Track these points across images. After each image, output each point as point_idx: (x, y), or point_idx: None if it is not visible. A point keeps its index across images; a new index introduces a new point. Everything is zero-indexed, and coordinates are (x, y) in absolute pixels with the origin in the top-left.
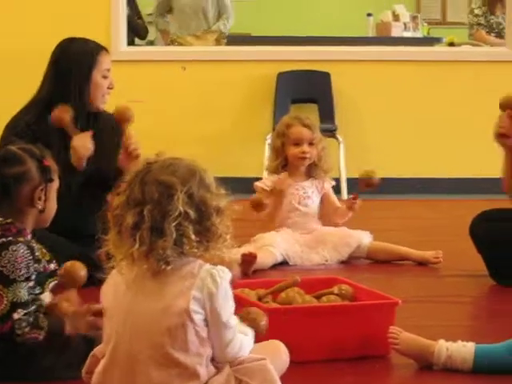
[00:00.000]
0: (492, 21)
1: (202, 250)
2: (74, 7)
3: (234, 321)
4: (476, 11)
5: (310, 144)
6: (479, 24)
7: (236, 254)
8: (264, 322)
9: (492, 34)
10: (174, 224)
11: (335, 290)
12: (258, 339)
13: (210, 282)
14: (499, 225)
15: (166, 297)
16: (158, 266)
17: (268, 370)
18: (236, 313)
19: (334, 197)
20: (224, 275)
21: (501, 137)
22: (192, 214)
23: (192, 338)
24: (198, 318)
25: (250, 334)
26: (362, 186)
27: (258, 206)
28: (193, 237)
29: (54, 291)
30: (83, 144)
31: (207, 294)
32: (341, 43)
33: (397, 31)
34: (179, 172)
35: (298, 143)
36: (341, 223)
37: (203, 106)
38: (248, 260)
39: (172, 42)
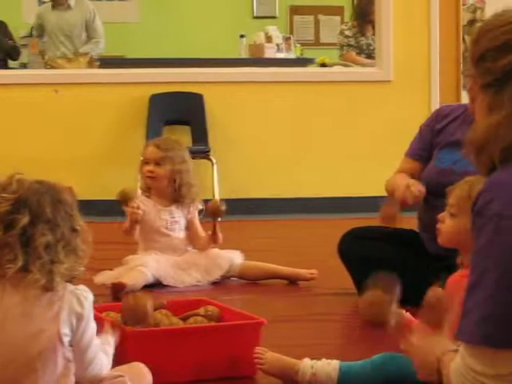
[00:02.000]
0: (362, 42)
1: (65, 271)
2: None
3: (96, 340)
4: (346, 32)
5: (157, 164)
6: (349, 45)
7: (108, 276)
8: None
9: (362, 55)
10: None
11: (201, 311)
12: (121, 362)
13: (76, 303)
14: (366, 243)
15: (35, 321)
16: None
17: None
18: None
19: (197, 223)
20: (87, 295)
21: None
22: (52, 235)
23: (61, 361)
24: (66, 340)
25: (110, 352)
26: (208, 214)
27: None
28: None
29: None
30: None
31: (74, 316)
32: (213, 65)
33: (270, 52)
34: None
35: (147, 162)
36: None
37: (76, 128)
38: (117, 288)
39: (45, 65)
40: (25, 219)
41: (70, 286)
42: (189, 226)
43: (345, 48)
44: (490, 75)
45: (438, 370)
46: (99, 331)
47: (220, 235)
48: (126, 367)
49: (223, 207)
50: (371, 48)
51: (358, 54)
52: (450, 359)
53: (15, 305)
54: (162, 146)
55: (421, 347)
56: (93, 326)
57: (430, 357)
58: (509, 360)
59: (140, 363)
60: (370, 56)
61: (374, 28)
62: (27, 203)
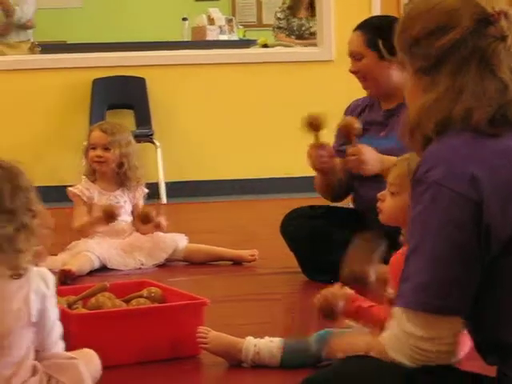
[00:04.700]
0: (294, 23)
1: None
2: None
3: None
4: (278, 15)
5: (105, 149)
6: (279, 27)
7: (53, 262)
8: None
9: (292, 37)
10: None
11: (144, 293)
12: (71, 348)
13: (42, 283)
14: (307, 222)
15: (6, 301)
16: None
17: (78, 369)
18: None
19: (139, 206)
20: (50, 276)
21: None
22: (12, 226)
23: (26, 342)
24: (33, 320)
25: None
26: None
27: (146, 218)
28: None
29: None
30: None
31: (41, 296)
32: (156, 48)
33: (212, 34)
34: None
35: (93, 147)
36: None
37: (17, 114)
38: (65, 275)
39: None
40: None
41: (35, 269)
42: (134, 210)
43: (275, 30)
44: (425, 60)
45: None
46: None
47: (164, 223)
48: (76, 353)
49: (153, 213)
50: (303, 29)
51: (288, 35)
52: (373, 341)
53: None
54: (109, 131)
55: (344, 346)
56: (56, 306)
57: (357, 349)
58: (446, 323)
59: (89, 349)
60: (301, 37)
61: (310, 9)
62: None
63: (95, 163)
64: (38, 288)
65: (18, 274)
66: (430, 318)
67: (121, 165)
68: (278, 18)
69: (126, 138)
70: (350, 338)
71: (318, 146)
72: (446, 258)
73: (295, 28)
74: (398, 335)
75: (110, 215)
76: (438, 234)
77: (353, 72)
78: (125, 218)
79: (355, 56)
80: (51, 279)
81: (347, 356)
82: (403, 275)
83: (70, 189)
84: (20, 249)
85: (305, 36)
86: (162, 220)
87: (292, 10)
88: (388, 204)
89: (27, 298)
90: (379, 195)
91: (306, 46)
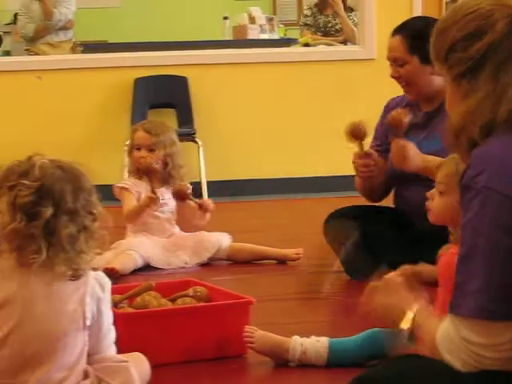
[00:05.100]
0: (320, 20)
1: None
2: None
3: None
4: (305, 12)
5: (151, 150)
6: (306, 24)
7: (97, 261)
8: None
9: (318, 34)
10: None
11: (190, 292)
12: (118, 348)
13: (98, 288)
14: (349, 222)
15: (62, 302)
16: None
17: (129, 372)
18: None
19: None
20: (107, 280)
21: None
22: (74, 226)
23: (80, 344)
24: (87, 323)
25: None
26: (174, 197)
27: (180, 194)
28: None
29: None
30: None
31: (96, 300)
32: (197, 47)
33: (253, 33)
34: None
35: (138, 148)
36: (201, 225)
37: (61, 114)
38: (109, 273)
39: (27, 52)
40: (48, 211)
41: (92, 272)
42: (179, 208)
43: (302, 27)
44: (462, 64)
45: (411, 329)
46: None
47: (208, 203)
48: (127, 356)
49: (189, 190)
50: (329, 26)
51: (315, 32)
52: (429, 324)
53: (43, 286)
54: (153, 131)
55: (386, 300)
56: (110, 310)
57: (395, 310)
58: (503, 330)
59: (138, 353)
60: (327, 34)
61: (332, 7)
62: (50, 193)
63: (139, 164)
64: (94, 291)
65: (77, 274)
66: (486, 324)
67: (165, 164)
68: (305, 15)
69: (170, 138)
70: (394, 298)
71: (363, 155)
72: (499, 263)
73: (321, 25)
74: (454, 340)
75: (181, 195)
76: (489, 240)
77: (394, 77)
78: (168, 216)
79: (397, 62)
80: (107, 283)
81: (399, 355)
82: (456, 282)
83: (117, 185)
84: (81, 249)
85: (331, 33)
86: (207, 201)
87: (319, 7)
88: (436, 203)
89: (83, 300)
90: (428, 194)
91: (330, 44)
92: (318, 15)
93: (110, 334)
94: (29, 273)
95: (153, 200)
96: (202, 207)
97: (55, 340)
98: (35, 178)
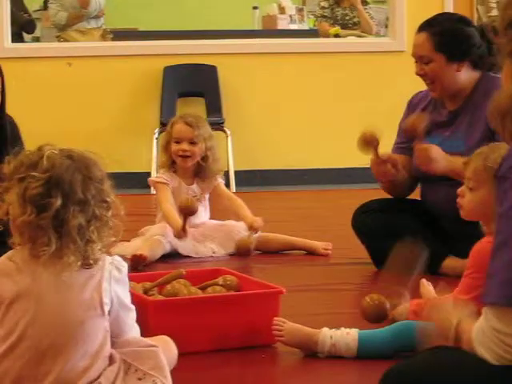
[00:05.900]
0: (337, 12)
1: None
2: None
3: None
4: (322, 4)
5: (192, 143)
6: (323, 16)
7: (125, 248)
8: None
9: (336, 26)
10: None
11: (220, 280)
12: (147, 335)
13: (116, 271)
14: (378, 215)
15: (76, 290)
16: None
17: (159, 357)
18: None
19: (226, 191)
20: (124, 264)
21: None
22: (84, 216)
23: (101, 331)
24: (106, 309)
25: None
26: (181, 211)
27: (187, 209)
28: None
29: None
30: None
31: (115, 283)
32: (227, 36)
33: (283, 24)
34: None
35: (178, 141)
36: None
37: (90, 101)
38: (137, 260)
39: (57, 38)
40: (58, 202)
41: (108, 257)
42: (215, 196)
43: (318, 19)
44: None
45: (455, 336)
46: None
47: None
48: (154, 339)
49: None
50: (347, 18)
51: (332, 24)
52: (468, 324)
53: (54, 278)
54: (194, 124)
55: (437, 314)
56: (128, 292)
57: (446, 323)
58: None
59: (166, 336)
60: (344, 26)
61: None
62: (59, 184)
63: (180, 157)
64: (111, 276)
65: (88, 263)
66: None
67: (205, 158)
68: (322, 7)
69: (209, 131)
70: (444, 310)
71: (380, 162)
72: None
73: (339, 17)
74: (485, 330)
75: (188, 210)
76: None
77: (419, 75)
78: (200, 209)
79: (422, 60)
80: (124, 266)
81: (433, 347)
82: (489, 272)
83: (152, 178)
84: (91, 239)
85: (348, 26)
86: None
87: None
88: (467, 199)
89: (99, 286)
90: (459, 191)
91: (360, 35)
92: (336, 7)
93: (130, 314)
94: (40, 264)
95: (181, 236)
96: (252, 228)
97: (72, 329)
98: (44, 169)
